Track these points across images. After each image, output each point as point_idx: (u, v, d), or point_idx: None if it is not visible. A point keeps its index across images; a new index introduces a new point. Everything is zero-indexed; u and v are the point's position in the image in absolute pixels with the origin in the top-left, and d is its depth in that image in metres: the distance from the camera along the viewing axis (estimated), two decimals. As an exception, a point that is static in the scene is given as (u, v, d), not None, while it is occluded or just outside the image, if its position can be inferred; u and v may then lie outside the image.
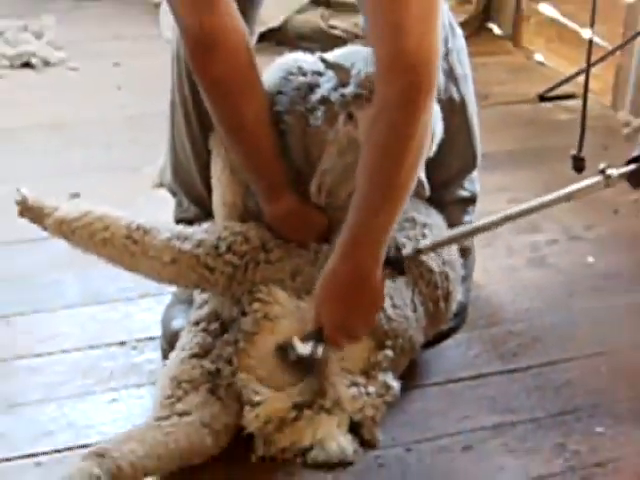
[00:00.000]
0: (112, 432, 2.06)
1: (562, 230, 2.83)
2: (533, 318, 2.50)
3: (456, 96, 2.37)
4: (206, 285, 2.16)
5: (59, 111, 3.34)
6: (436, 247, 2.19)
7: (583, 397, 2.26)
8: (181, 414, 2.01)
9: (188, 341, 2.14)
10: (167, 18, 3.19)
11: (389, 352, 2.13)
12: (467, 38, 2.46)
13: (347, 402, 2.08)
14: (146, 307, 2.47)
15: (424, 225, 2.26)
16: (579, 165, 2.34)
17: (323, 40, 3.63)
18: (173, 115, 2.36)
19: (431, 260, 2.23)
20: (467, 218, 2.50)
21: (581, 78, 3.25)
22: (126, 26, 3.95)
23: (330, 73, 2.17)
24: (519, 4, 3.85)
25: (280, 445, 2.04)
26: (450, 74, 2.35)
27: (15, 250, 2.65)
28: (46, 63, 3.63)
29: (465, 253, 2.42)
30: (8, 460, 2.04)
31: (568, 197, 2.25)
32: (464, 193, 2.50)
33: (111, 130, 3.25)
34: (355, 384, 2.10)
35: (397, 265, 2.11)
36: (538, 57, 3.80)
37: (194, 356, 2.11)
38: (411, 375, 2.25)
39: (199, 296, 2.21)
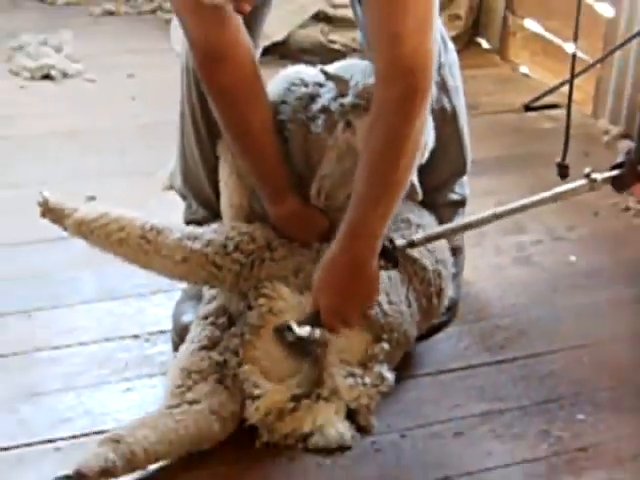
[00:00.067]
0: (126, 419, 2.06)
1: (546, 231, 2.83)
2: (519, 313, 2.50)
3: (448, 107, 2.38)
4: (215, 282, 2.16)
5: (76, 120, 3.33)
6: (428, 240, 2.20)
7: (566, 386, 2.26)
8: (191, 402, 2.01)
9: (197, 334, 2.14)
10: (177, 33, 3.18)
11: (385, 345, 2.13)
12: (457, 52, 2.46)
13: (344, 391, 2.08)
14: (158, 303, 2.47)
15: (418, 226, 2.26)
16: (564, 172, 2.34)
17: (323, 54, 3.62)
18: (182, 124, 2.35)
19: (425, 258, 2.23)
20: (457, 220, 2.49)
21: (564, 89, 3.25)
22: (139, 41, 3.95)
23: (330, 84, 2.17)
24: (506, 20, 3.85)
25: (282, 432, 2.04)
26: (443, 86, 2.35)
27: (36, 249, 2.64)
28: (65, 75, 3.62)
29: (456, 252, 2.42)
30: (29, 445, 2.04)
31: (555, 198, 2.27)
32: (455, 196, 2.50)
33: (125, 137, 3.25)
34: (352, 375, 2.09)
35: (391, 257, 2.12)
36: (524, 69, 3.79)
37: (203, 348, 2.10)
38: (405, 366, 2.25)
39: (208, 292, 2.21)
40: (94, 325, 2.40)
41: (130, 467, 1.91)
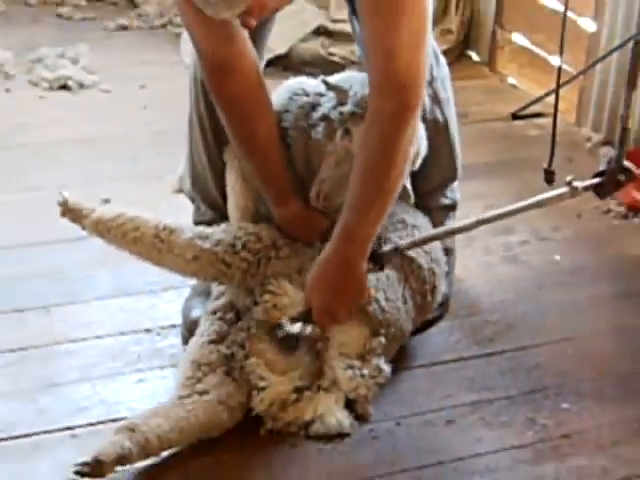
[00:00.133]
0: (139, 408, 2.06)
1: (532, 232, 2.83)
2: (507, 308, 2.50)
3: (440, 118, 2.38)
4: (224, 279, 2.17)
5: (92, 128, 3.33)
6: (414, 245, 2.20)
7: (551, 377, 2.26)
8: (201, 393, 2.01)
9: (206, 328, 2.13)
10: (187, 46, 3.18)
11: (382, 339, 2.13)
12: (449, 64, 2.47)
13: (344, 382, 2.08)
14: (169, 299, 2.46)
15: (413, 226, 2.27)
16: (550, 178, 2.35)
17: (323, 66, 3.61)
18: (191, 131, 2.35)
19: (421, 258, 2.23)
20: (449, 222, 2.49)
21: (549, 99, 3.25)
22: (151, 53, 3.94)
23: (331, 94, 2.17)
24: (495, 34, 3.85)
25: (285, 421, 2.05)
26: (435, 98, 2.35)
27: (54, 248, 2.64)
28: (81, 86, 3.61)
29: (448, 252, 2.42)
30: (48, 432, 2.04)
31: (539, 204, 2.27)
32: (446, 201, 2.50)
33: (137, 144, 3.24)
34: (351, 367, 2.09)
35: (378, 260, 2.14)
36: (511, 80, 3.79)
37: (211, 342, 2.10)
38: (401, 358, 2.25)
39: (216, 288, 2.21)
40: (109, 320, 2.40)
41: (144, 454, 1.91)
